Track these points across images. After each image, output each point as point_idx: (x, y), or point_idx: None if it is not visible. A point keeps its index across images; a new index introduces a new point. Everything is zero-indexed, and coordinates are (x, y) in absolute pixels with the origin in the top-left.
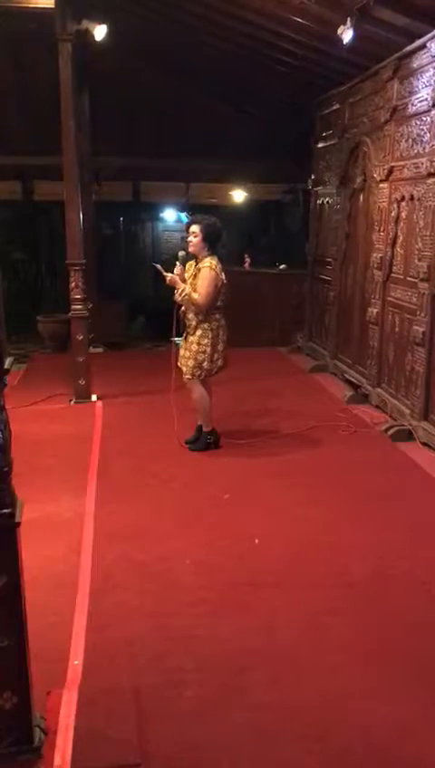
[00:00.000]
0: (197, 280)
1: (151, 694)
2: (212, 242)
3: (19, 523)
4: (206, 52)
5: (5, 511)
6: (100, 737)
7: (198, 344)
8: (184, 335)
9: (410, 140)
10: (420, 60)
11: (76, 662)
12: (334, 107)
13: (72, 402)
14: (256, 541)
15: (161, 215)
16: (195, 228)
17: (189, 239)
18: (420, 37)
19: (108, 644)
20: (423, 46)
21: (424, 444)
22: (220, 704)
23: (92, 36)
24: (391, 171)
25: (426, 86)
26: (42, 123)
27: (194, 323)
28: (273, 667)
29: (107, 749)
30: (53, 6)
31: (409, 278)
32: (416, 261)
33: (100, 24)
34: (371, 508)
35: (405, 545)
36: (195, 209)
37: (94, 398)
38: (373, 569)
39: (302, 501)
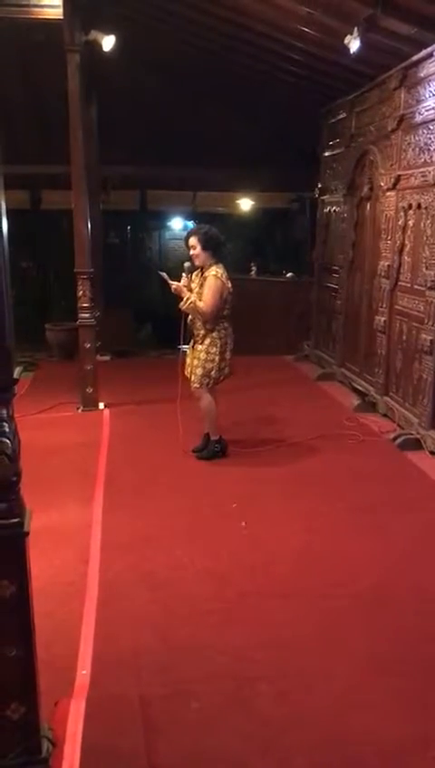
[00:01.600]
0: (203, 289)
1: (159, 704)
2: (214, 249)
3: (28, 533)
4: (212, 62)
5: (14, 520)
6: (107, 748)
7: (207, 353)
8: (191, 343)
9: (418, 149)
10: (427, 69)
11: (84, 672)
12: (341, 116)
13: (79, 410)
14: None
15: (168, 223)
16: (192, 241)
17: (191, 252)
18: (426, 46)
19: (115, 654)
20: (430, 55)
21: (432, 453)
22: (227, 715)
23: (100, 47)
24: (398, 180)
25: (433, 95)
26: (50, 133)
27: (202, 332)
28: (280, 677)
29: (114, 760)
30: (61, 17)
31: (416, 286)
32: (423, 269)
33: (108, 34)
34: (378, 517)
35: (413, 555)
36: (201, 218)
37: (102, 406)
38: (381, 579)
39: (309, 510)
